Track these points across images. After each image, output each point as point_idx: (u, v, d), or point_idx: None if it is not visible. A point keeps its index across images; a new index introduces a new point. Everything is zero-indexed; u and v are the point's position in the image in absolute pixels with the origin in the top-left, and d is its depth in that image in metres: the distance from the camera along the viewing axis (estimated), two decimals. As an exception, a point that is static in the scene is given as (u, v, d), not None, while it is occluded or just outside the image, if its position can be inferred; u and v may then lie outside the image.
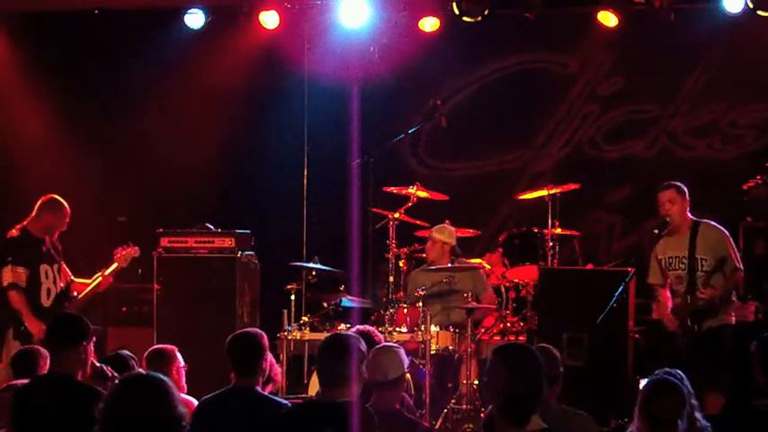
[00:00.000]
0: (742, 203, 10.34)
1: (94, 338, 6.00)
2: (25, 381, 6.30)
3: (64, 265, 9.13)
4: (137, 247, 9.28)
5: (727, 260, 8.37)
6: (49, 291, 8.91)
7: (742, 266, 8.70)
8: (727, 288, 8.46)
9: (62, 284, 9.01)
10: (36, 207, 8.98)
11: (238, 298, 9.83)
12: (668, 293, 8.61)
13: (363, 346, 5.43)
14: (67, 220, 9.05)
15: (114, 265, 9.14)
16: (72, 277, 9.18)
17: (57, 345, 5.84)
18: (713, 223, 8.59)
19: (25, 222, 8.96)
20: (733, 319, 8.59)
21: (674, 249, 8.54)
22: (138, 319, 10.90)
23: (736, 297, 9.25)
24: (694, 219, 8.57)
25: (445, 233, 9.88)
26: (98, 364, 6.38)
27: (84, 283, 9.17)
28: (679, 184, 8.58)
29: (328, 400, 5.27)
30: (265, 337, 6.14)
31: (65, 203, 9.03)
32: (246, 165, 11.98)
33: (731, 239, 8.61)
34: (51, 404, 5.39)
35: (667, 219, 8.50)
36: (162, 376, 3.72)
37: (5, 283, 8.77)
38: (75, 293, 9.10)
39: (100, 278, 9.13)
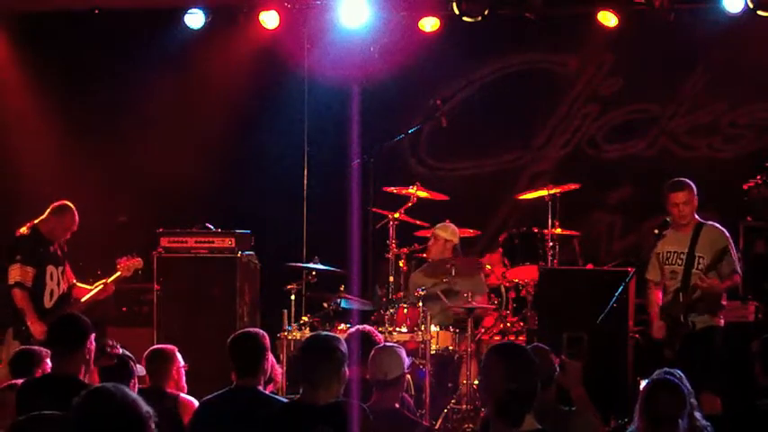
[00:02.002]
0: (742, 203, 10.34)
1: (94, 333, 5.98)
2: (22, 381, 6.30)
3: (68, 268, 9.13)
4: (140, 259, 9.29)
5: (726, 254, 8.32)
6: (52, 292, 8.92)
7: (740, 271, 8.68)
8: (722, 287, 8.41)
9: (65, 287, 9.00)
10: (48, 209, 9.00)
11: (238, 298, 9.83)
12: (660, 294, 8.59)
13: (344, 347, 5.39)
14: (74, 228, 9.05)
15: (117, 274, 9.16)
16: (75, 280, 9.17)
17: (61, 347, 5.84)
18: (717, 225, 8.57)
19: (36, 221, 8.95)
20: (722, 321, 8.54)
21: (674, 245, 8.50)
22: (138, 319, 10.90)
23: (736, 297, 9.25)
24: (699, 220, 8.54)
25: (448, 231, 9.89)
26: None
27: (85, 288, 9.17)
28: (690, 183, 8.52)
29: (313, 400, 5.22)
30: (267, 336, 6.14)
31: (73, 211, 9.02)
32: (246, 165, 11.97)
33: (732, 243, 8.57)
34: (57, 406, 5.37)
35: (668, 219, 8.47)
36: (116, 385, 3.69)
37: (12, 281, 8.77)
38: (75, 297, 9.10)
39: (102, 286, 9.13)
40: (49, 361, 6.99)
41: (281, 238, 11.42)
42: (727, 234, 8.53)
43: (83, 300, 9.10)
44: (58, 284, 8.96)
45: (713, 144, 11.66)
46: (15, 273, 8.77)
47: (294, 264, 10.07)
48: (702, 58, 11.50)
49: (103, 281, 9.18)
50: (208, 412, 5.94)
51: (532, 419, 4.45)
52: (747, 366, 6.46)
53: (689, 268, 8.38)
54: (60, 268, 8.98)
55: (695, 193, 8.50)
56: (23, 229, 8.94)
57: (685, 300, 8.33)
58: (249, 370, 5.92)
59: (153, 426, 3.64)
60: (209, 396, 6.01)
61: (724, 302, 8.60)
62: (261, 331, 6.20)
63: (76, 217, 9.05)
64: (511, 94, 11.94)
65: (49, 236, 8.95)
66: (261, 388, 5.98)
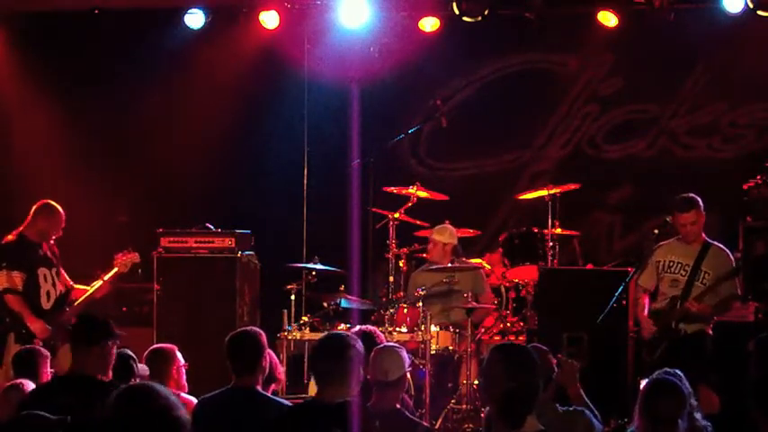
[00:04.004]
0: (742, 203, 10.33)
1: (118, 341, 5.93)
2: (25, 380, 6.29)
3: (63, 272, 9.08)
4: (137, 254, 9.23)
5: (732, 279, 8.39)
6: (48, 293, 8.87)
7: (740, 294, 8.74)
8: (717, 309, 8.48)
9: (62, 287, 8.97)
10: (31, 212, 8.94)
11: (238, 298, 9.83)
12: (647, 299, 8.64)
13: (360, 346, 5.41)
14: (63, 225, 9.00)
15: (114, 270, 9.08)
16: (72, 284, 9.13)
17: (79, 344, 5.78)
18: (724, 247, 8.64)
19: (21, 228, 8.92)
20: (710, 330, 8.59)
21: (679, 256, 8.55)
22: (138, 319, 10.89)
23: (737, 297, 9.26)
24: (706, 239, 8.58)
25: (446, 234, 9.87)
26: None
27: (83, 290, 9.13)
28: (698, 201, 8.54)
29: (325, 400, 5.24)
30: (264, 335, 6.13)
31: (59, 209, 8.98)
32: (246, 164, 11.97)
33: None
34: (74, 404, 5.33)
35: (668, 219, 8.50)
36: (155, 385, 3.66)
37: (1, 288, 8.74)
38: (73, 299, 9.06)
39: (99, 283, 9.09)
40: (49, 361, 7.01)
41: (281, 238, 11.41)
42: (732, 258, 8.61)
43: (79, 300, 9.03)
44: (54, 285, 8.91)
45: (713, 144, 11.66)
46: (2, 279, 8.73)
47: (294, 264, 10.07)
48: (702, 58, 11.50)
49: (101, 278, 9.12)
50: (206, 411, 5.93)
51: (534, 420, 4.45)
52: (746, 367, 6.46)
53: (692, 280, 8.43)
54: (54, 270, 8.93)
55: (702, 209, 8.54)
56: (9, 237, 8.91)
57: (681, 310, 8.37)
58: (247, 369, 5.92)
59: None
60: (208, 395, 6.00)
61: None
62: (258, 330, 6.18)
63: (63, 214, 9.03)
64: (511, 94, 11.94)
65: (40, 238, 8.90)
66: (259, 387, 5.98)
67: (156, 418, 3.54)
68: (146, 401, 3.56)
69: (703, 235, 8.61)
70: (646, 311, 8.60)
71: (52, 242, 9.02)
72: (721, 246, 8.63)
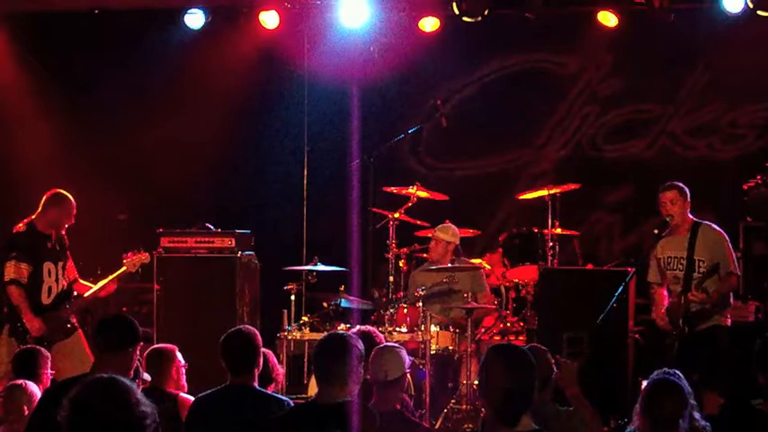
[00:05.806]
0: (742, 203, 10.33)
1: (142, 343, 5.90)
2: (26, 380, 6.28)
3: (71, 262, 9.05)
4: (147, 254, 9.21)
5: (721, 264, 8.34)
6: (50, 289, 8.86)
7: (739, 271, 8.68)
8: (720, 293, 8.40)
9: (64, 283, 8.96)
10: (42, 202, 8.93)
11: (238, 298, 9.82)
12: (665, 293, 8.60)
13: (361, 346, 5.41)
14: (74, 212, 8.99)
15: (122, 269, 9.08)
16: (77, 276, 9.12)
17: (106, 347, 5.70)
18: (713, 225, 8.56)
19: (32, 217, 8.90)
20: (728, 321, 8.54)
21: (673, 249, 8.52)
22: (138, 319, 10.83)
23: (736, 297, 9.25)
24: (695, 220, 8.55)
25: (449, 233, 9.88)
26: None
27: (86, 286, 9.11)
28: (681, 184, 8.54)
29: (326, 400, 5.25)
30: (257, 333, 6.10)
31: (70, 197, 8.97)
32: (246, 165, 11.98)
33: (729, 243, 8.56)
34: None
35: (668, 219, 8.49)
36: (120, 378, 3.62)
37: (7, 279, 8.72)
38: (76, 293, 9.05)
39: (106, 281, 9.06)
40: (49, 362, 7.01)
41: (281, 238, 11.42)
42: (724, 235, 8.54)
43: (86, 295, 9.03)
44: (57, 281, 8.89)
45: (713, 144, 11.66)
46: (10, 270, 8.72)
47: (292, 268, 10.01)
48: (702, 58, 11.51)
49: (109, 277, 9.10)
50: (203, 409, 5.92)
51: (529, 419, 4.45)
52: (748, 366, 6.45)
53: (690, 273, 8.40)
54: (60, 264, 8.91)
55: (687, 195, 8.50)
56: (20, 226, 8.90)
57: (685, 305, 8.34)
58: (243, 368, 5.91)
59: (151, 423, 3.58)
60: (204, 393, 5.99)
61: (731, 301, 8.60)
62: (251, 328, 6.17)
63: (74, 202, 9.02)
64: (511, 94, 11.95)
65: (50, 228, 8.87)
66: (256, 384, 5.96)
67: (119, 410, 3.51)
68: (108, 394, 3.52)
69: (690, 217, 8.53)
70: (662, 307, 8.54)
71: (63, 232, 9.00)
72: (709, 224, 8.55)
